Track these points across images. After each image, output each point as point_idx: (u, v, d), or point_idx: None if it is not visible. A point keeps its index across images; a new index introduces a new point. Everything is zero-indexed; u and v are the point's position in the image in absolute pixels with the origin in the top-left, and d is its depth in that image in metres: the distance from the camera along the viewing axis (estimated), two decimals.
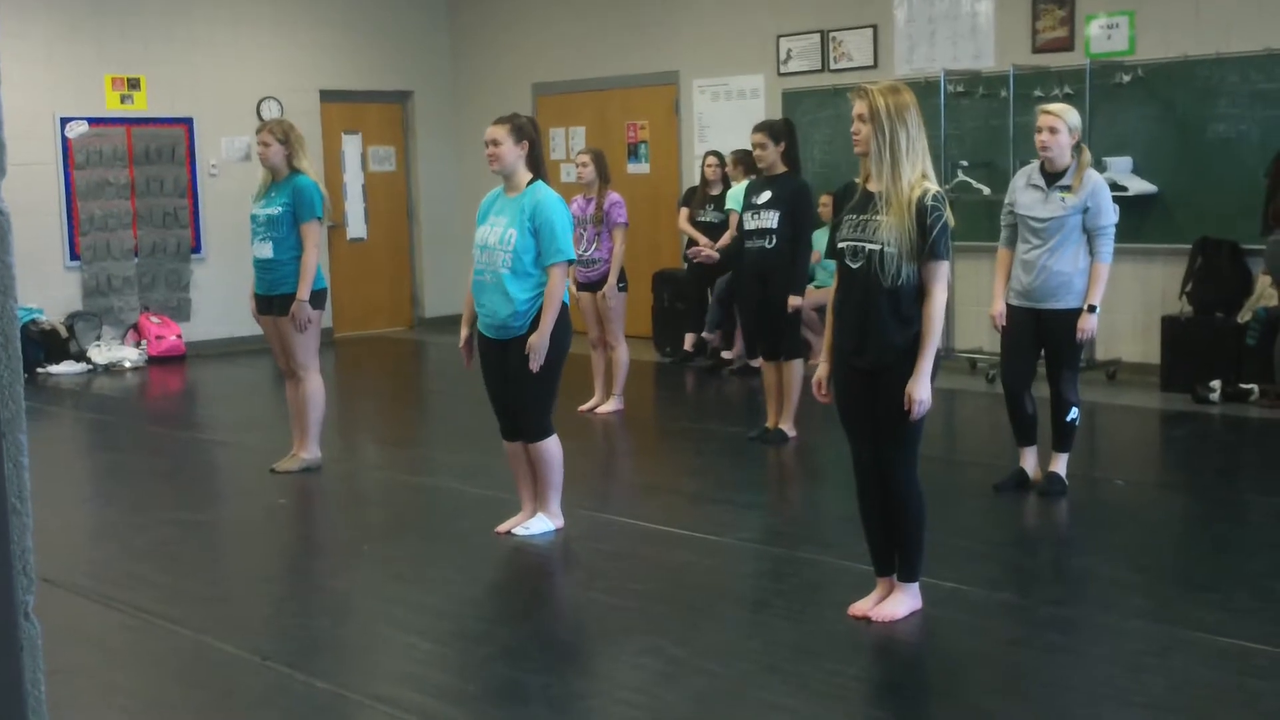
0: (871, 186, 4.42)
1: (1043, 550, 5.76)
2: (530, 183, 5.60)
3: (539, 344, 5.47)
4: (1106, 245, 6.07)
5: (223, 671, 4.38)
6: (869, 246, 4.34)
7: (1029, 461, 6.35)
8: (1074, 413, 6.25)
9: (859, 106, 4.39)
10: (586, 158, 8.50)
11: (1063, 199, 6.05)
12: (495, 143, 5.60)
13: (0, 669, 1.23)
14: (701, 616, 4.80)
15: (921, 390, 4.32)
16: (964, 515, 6.06)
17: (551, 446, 5.72)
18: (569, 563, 5.59)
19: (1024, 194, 6.19)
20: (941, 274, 4.36)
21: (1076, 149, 6.11)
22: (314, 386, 6.97)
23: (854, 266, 4.40)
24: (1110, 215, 6.10)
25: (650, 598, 4.99)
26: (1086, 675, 4.12)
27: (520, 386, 5.62)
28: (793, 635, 4.52)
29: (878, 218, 4.33)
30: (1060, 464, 6.27)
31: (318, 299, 6.89)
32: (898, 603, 4.56)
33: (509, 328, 5.55)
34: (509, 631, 4.72)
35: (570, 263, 5.62)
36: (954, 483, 6.75)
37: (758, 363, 8.11)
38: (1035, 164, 6.24)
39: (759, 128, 7.49)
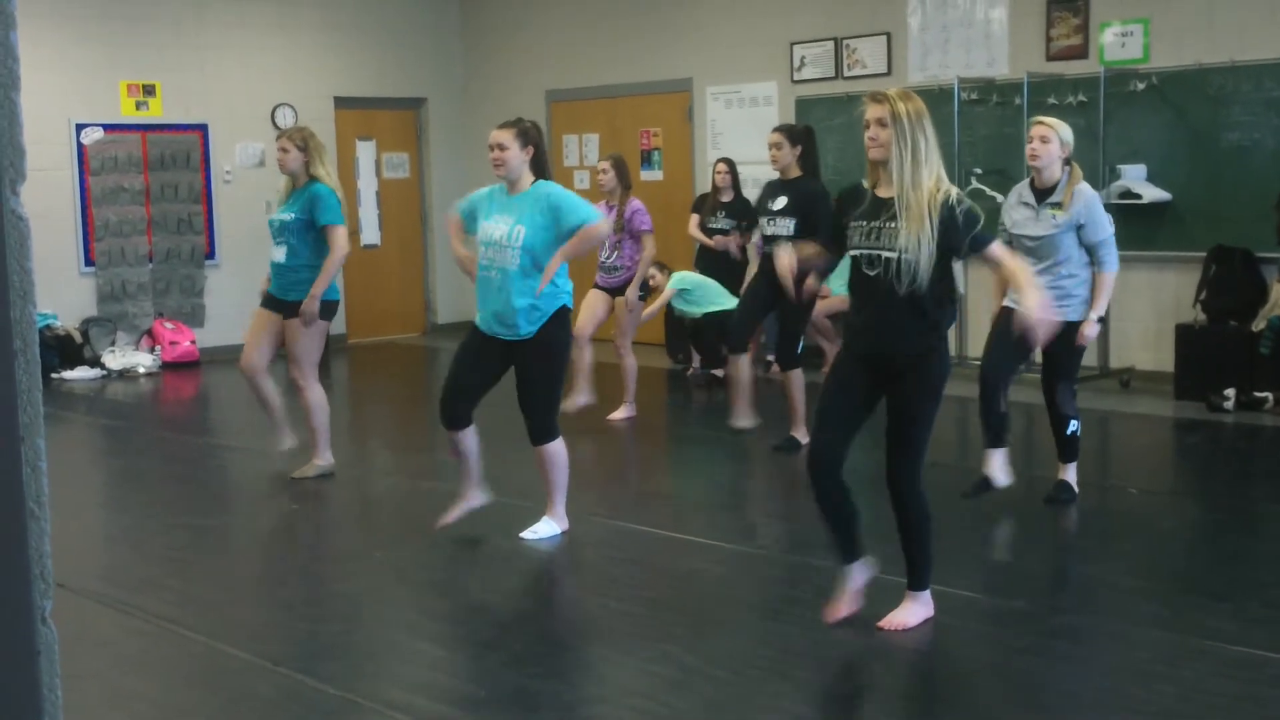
0: (883, 192, 4.39)
1: (1054, 558, 5.75)
2: (532, 185, 5.66)
3: (557, 260, 5.52)
4: (1109, 255, 6.00)
5: (234, 677, 4.40)
6: (884, 254, 4.31)
7: (994, 464, 6.09)
8: (1073, 426, 6.19)
9: (876, 111, 4.35)
10: (607, 164, 8.52)
11: (1053, 216, 5.97)
12: (501, 147, 5.62)
13: (18, 674, 1.23)
14: (712, 623, 4.80)
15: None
16: (975, 523, 6.05)
17: (557, 448, 5.75)
18: (580, 569, 5.59)
19: (1015, 212, 6.13)
20: (997, 252, 4.43)
21: (1067, 164, 6.06)
22: (314, 395, 6.97)
23: (870, 274, 4.38)
24: (1106, 228, 6.03)
25: (661, 605, 4.99)
26: (1097, 684, 4.11)
27: (529, 389, 5.65)
28: (804, 643, 4.52)
29: (893, 224, 4.30)
30: (1069, 473, 6.24)
31: (328, 309, 6.91)
32: (909, 611, 4.54)
33: (518, 328, 5.58)
34: (519, 638, 4.73)
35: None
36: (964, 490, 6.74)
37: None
38: (1025, 182, 6.19)
39: (778, 128, 7.49)
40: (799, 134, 7.45)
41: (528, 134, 5.66)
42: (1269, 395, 8.30)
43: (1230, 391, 8.36)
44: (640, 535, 5.97)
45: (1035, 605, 4.92)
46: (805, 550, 5.64)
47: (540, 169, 5.69)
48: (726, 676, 4.23)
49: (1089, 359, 9.47)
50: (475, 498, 5.99)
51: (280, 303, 6.93)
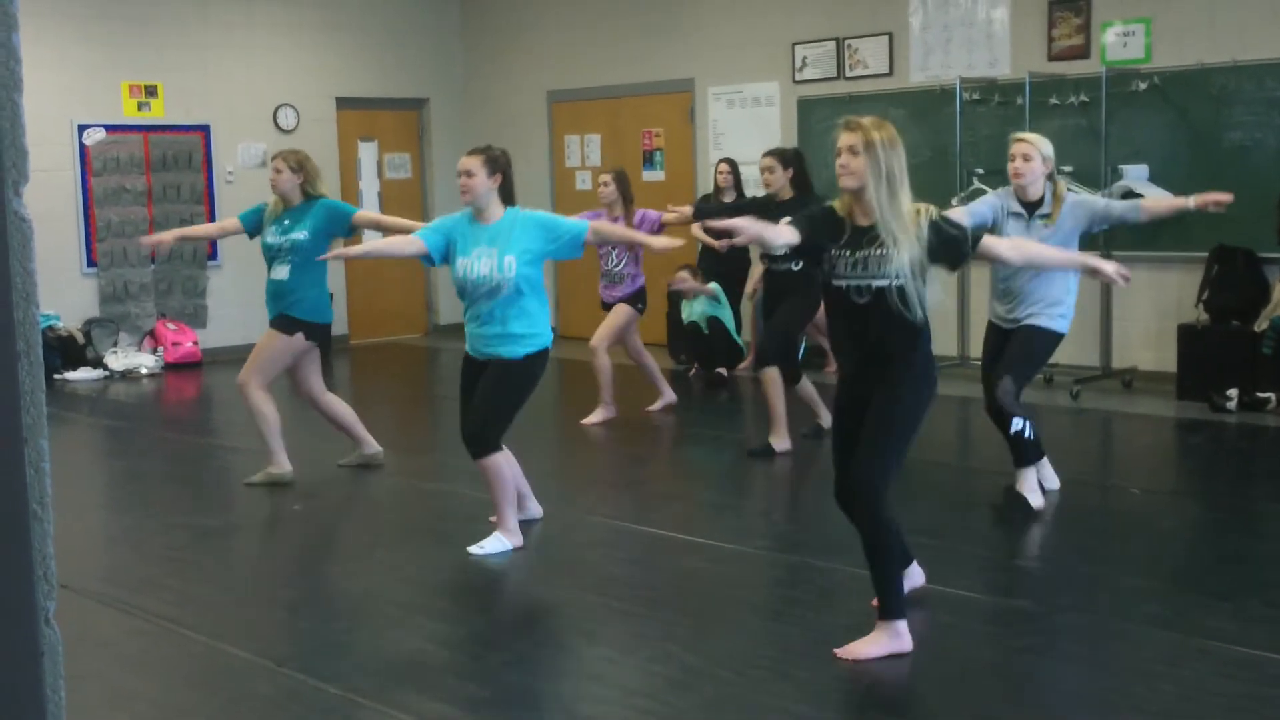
0: (862, 221, 4.29)
1: (1056, 558, 5.75)
2: (504, 212, 5.62)
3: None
4: (1126, 202, 5.97)
5: (236, 677, 4.40)
6: (876, 283, 4.22)
7: (1025, 483, 6.07)
8: (1018, 424, 5.95)
9: (849, 139, 4.26)
10: (609, 177, 8.53)
11: (1044, 225, 5.95)
12: (468, 174, 5.56)
13: (21, 675, 1.24)
14: (714, 623, 4.81)
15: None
16: (977, 523, 6.06)
17: (494, 463, 5.64)
18: (581, 570, 5.59)
19: (1007, 222, 6.02)
20: (993, 245, 4.45)
21: (1050, 180, 6.01)
22: (256, 401, 6.96)
23: (860, 302, 4.29)
24: (1099, 198, 6.09)
25: (662, 604, 4.99)
26: (1099, 683, 4.11)
27: (481, 396, 5.62)
28: (804, 643, 4.52)
29: (881, 252, 4.21)
30: (1022, 481, 6.01)
31: (316, 331, 6.93)
32: (872, 642, 4.34)
33: (499, 351, 5.58)
34: (521, 637, 4.73)
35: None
36: (968, 491, 6.75)
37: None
38: (1009, 191, 6.12)
39: (769, 153, 7.54)
40: (790, 157, 7.49)
41: (495, 161, 5.60)
42: (1271, 395, 8.30)
43: (1233, 392, 8.36)
44: (641, 535, 5.97)
45: (1036, 605, 4.92)
46: (805, 550, 5.65)
47: (508, 196, 5.64)
48: (728, 676, 4.23)
49: (1091, 359, 9.50)
50: (530, 510, 6.04)
51: (273, 319, 6.96)
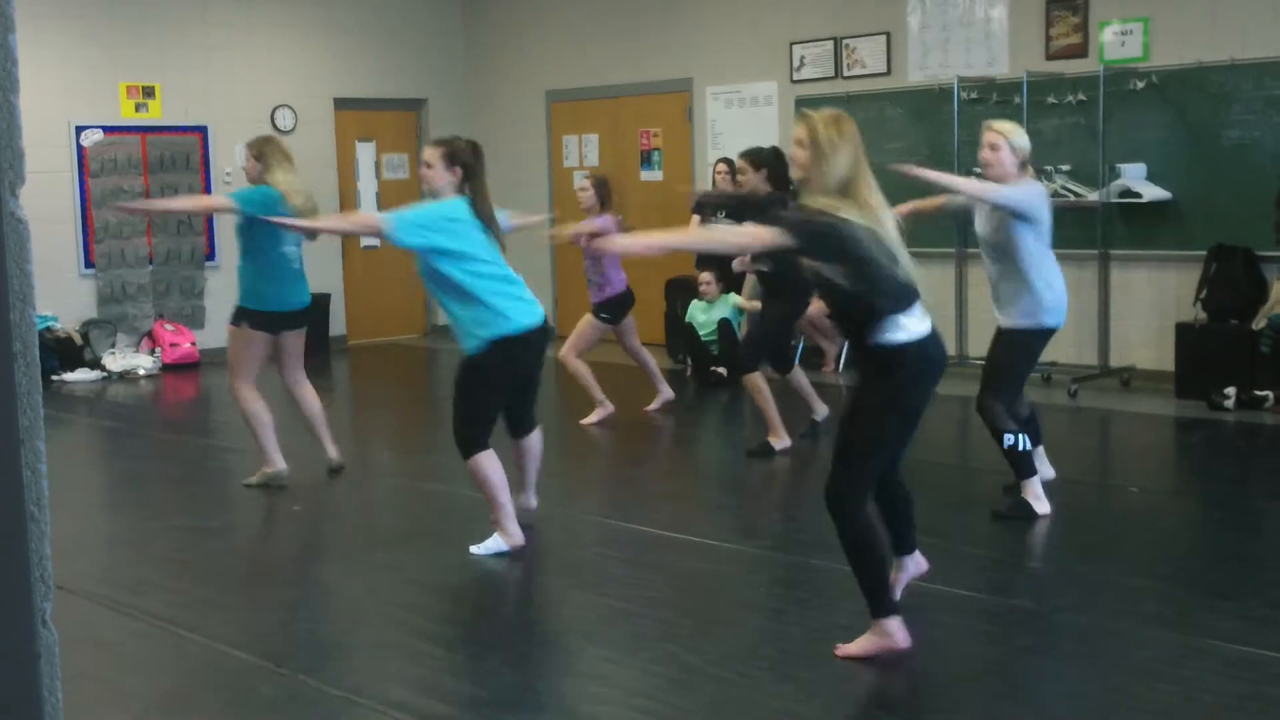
0: None
1: (1056, 557, 5.74)
2: None
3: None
4: (992, 188, 5.76)
5: (235, 678, 4.39)
6: (820, 276, 4.22)
7: (1029, 493, 6.01)
8: (1010, 440, 5.89)
9: (798, 131, 4.27)
10: (587, 183, 8.55)
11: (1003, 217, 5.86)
12: (427, 165, 5.56)
13: (19, 676, 1.23)
14: (714, 623, 4.80)
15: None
16: (977, 522, 6.05)
17: (474, 465, 5.58)
18: (581, 570, 5.59)
19: (977, 214, 5.98)
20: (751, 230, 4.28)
21: (1022, 170, 5.84)
22: (246, 406, 6.95)
23: (822, 295, 4.34)
24: (1016, 192, 5.70)
25: (662, 605, 4.99)
26: (1100, 683, 4.11)
27: (454, 393, 5.67)
28: (806, 642, 4.52)
29: None
30: (1026, 489, 5.95)
31: (260, 320, 6.90)
32: (865, 641, 4.32)
33: (460, 345, 5.61)
34: (521, 638, 4.73)
35: (390, 235, 5.57)
36: (968, 491, 6.74)
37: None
38: None
39: (742, 154, 7.60)
40: (764, 157, 7.54)
41: (456, 154, 5.50)
42: (1269, 394, 8.29)
43: (1231, 390, 8.36)
44: (641, 535, 5.97)
45: (1037, 604, 4.92)
46: (805, 550, 5.64)
47: (477, 193, 5.54)
48: (730, 677, 4.23)
49: (1089, 358, 9.50)
50: (526, 500, 6.05)
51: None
